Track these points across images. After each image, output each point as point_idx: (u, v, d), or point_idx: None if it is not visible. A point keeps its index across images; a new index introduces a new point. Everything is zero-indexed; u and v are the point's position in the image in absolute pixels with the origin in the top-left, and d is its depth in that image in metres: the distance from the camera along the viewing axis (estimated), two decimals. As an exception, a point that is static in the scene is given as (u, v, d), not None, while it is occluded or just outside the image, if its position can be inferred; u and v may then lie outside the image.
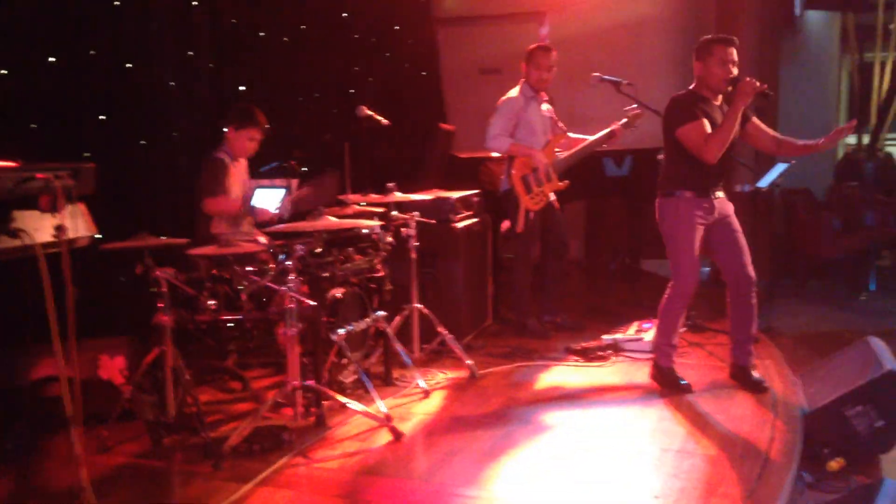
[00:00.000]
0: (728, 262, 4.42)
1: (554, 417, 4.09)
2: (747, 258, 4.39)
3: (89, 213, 3.10)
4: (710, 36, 4.39)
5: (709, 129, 4.20)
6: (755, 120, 4.47)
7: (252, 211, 4.69)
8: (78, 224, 2.92)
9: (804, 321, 6.05)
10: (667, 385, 4.44)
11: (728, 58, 4.25)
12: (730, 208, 4.47)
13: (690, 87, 4.40)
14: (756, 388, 4.34)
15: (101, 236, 3.38)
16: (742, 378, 4.43)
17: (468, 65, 8.61)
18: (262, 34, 6.01)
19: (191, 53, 5.28)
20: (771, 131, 4.53)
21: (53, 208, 2.36)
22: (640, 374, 4.72)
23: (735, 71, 4.25)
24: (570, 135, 5.70)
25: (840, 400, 3.74)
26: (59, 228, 2.56)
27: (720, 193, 4.42)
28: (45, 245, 2.61)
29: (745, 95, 4.12)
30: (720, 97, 4.37)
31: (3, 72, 4.04)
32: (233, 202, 4.70)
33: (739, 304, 4.41)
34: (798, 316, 6.16)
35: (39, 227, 2.62)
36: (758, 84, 4.11)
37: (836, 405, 3.75)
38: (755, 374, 4.43)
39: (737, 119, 4.17)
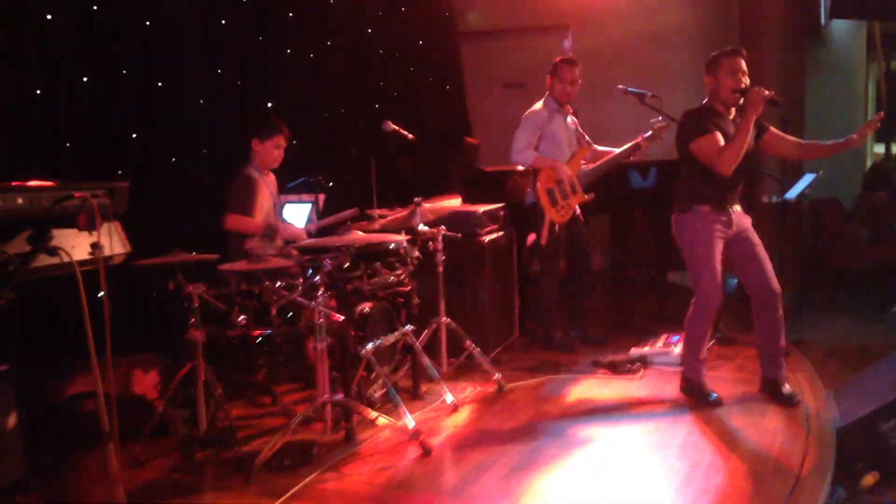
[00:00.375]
0: (751, 275, 4.40)
1: (583, 432, 4.08)
2: (770, 270, 4.36)
3: (123, 231, 3.15)
4: (718, 50, 4.39)
5: (722, 141, 4.19)
6: (772, 129, 4.45)
7: (276, 231, 4.75)
8: (113, 241, 2.97)
9: (834, 334, 5.98)
10: (696, 399, 4.41)
11: (737, 68, 4.25)
12: (748, 222, 4.44)
13: (703, 102, 4.39)
14: (788, 402, 4.30)
15: (133, 253, 3.43)
16: (773, 391, 4.40)
17: (492, 78, 8.64)
18: (287, 51, 6.07)
19: (219, 71, 5.33)
20: (792, 138, 4.51)
21: (91, 226, 2.39)
22: (669, 387, 4.69)
23: (746, 81, 4.24)
24: (596, 147, 5.70)
25: (873, 414, 3.70)
26: (96, 246, 2.60)
27: (737, 207, 4.40)
28: (82, 262, 2.65)
29: (755, 104, 4.11)
30: (733, 110, 4.35)
31: (37, 92, 4.11)
32: (253, 221, 4.74)
33: (765, 317, 4.38)
34: (828, 328, 6.10)
35: (76, 245, 2.67)
36: (766, 92, 4.10)
37: (869, 419, 3.71)
38: (787, 387, 4.38)
39: (749, 129, 4.15)
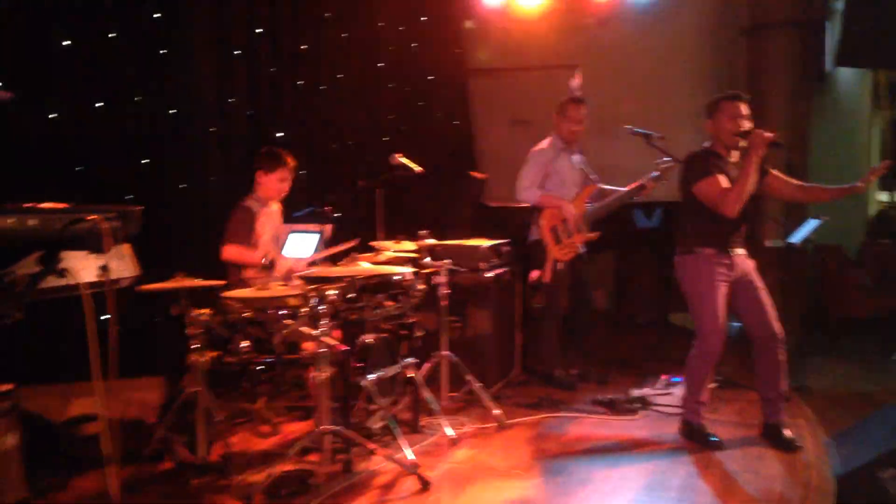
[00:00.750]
0: (753, 319, 4.40)
1: (582, 470, 4.06)
2: (772, 314, 4.37)
3: (134, 254, 3.18)
4: (717, 94, 4.43)
5: (725, 183, 4.22)
6: (773, 172, 4.48)
7: (273, 265, 4.75)
8: (123, 264, 2.99)
9: (836, 380, 5.97)
10: (696, 441, 4.40)
11: (737, 112, 4.29)
12: (751, 265, 4.46)
13: (706, 145, 4.44)
14: (788, 448, 4.28)
15: (139, 276, 3.46)
16: (773, 437, 4.38)
17: (499, 115, 8.71)
18: (299, 82, 6.14)
19: (231, 100, 5.40)
20: (794, 181, 4.55)
21: (100, 249, 2.42)
22: (669, 428, 4.67)
23: (747, 125, 4.28)
24: (602, 186, 5.74)
25: (874, 462, 3.68)
26: (105, 268, 2.63)
27: (740, 250, 4.42)
28: (90, 284, 2.68)
29: (757, 147, 4.15)
30: (736, 154, 4.38)
31: (51, 116, 4.16)
32: (250, 254, 4.74)
33: (767, 361, 4.38)
34: (830, 375, 6.08)
35: (85, 267, 2.69)
36: (767, 134, 4.14)
37: (870, 467, 3.69)
38: (787, 432, 4.37)
39: (752, 171, 4.18)
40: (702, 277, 4.34)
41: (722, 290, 4.33)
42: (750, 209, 4.33)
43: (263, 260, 4.75)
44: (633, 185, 5.53)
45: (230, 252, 4.71)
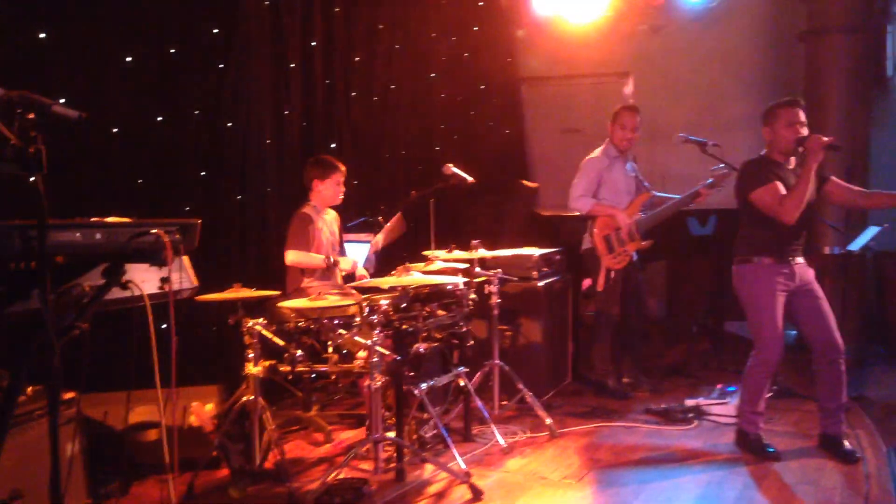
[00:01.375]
0: (814, 330, 4.33)
1: (635, 481, 4.04)
2: (833, 324, 4.29)
3: (192, 266, 3.27)
4: (773, 101, 4.38)
5: (783, 190, 4.16)
6: (834, 179, 4.40)
7: (335, 264, 4.86)
8: (182, 276, 3.08)
9: (894, 391, 5.82)
10: (753, 452, 4.34)
11: (795, 119, 4.23)
12: (811, 274, 4.38)
13: (762, 153, 4.38)
14: (847, 459, 4.20)
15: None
16: (832, 448, 4.30)
17: (551, 123, 8.71)
18: (353, 94, 6.23)
19: (286, 113, 5.50)
20: (856, 187, 4.46)
21: (161, 262, 2.50)
22: (724, 439, 4.62)
23: (804, 131, 4.22)
24: (655, 194, 5.70)
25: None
26: (166, 280, 2.71)
27: (800, 259, 4.35)
28: (151, 296, 2.76)
29: (815, 152, 4.08)
30: (793, 160, 4.32)
31: (114, 130, 4.29)
32: (316, 259, 4.85)
33: (827, 372, 4.30)
34: (889, 385, 5.94)
35: (146, 279, 2.78)
36: (825, 139, 4.08)
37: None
38: (846, 444, 4.29)
39: (810, 177, 4.12)
40: (760, 287, 4.29)
41: (780, 300, 4.26)
42: (808, 217, 4.27)
43: (327, 261, 4.85)
44: (687, 193, 5.49)
45: (293, 256, 4.81)
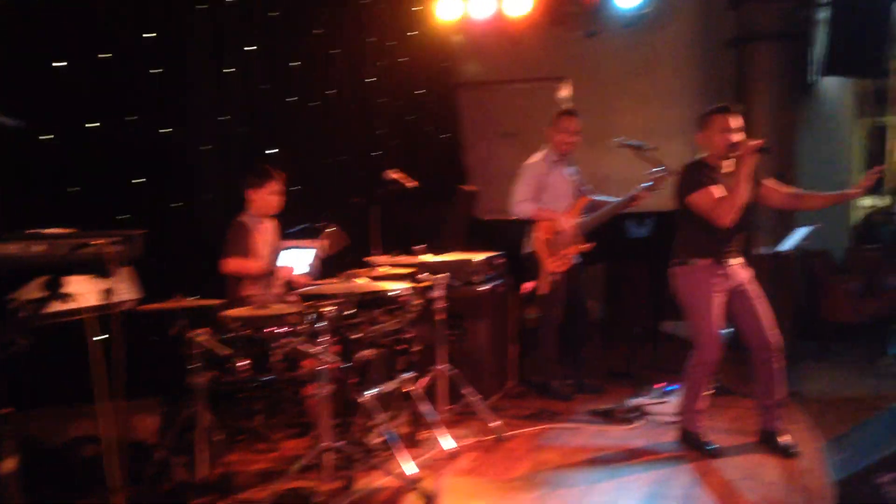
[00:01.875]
0: (750, 328, 4.44)
1: (584, 481, 4.09)
2: (769, 323, 4.41)
3: (136, 277, 3.19)
4: (708, 107, 4.48)
5: (719, 194, 4.26)
6: (766, 182, 4.52)
7: (277, 271, 4.79)
8: (125, 287, 3.00)
9: (828, 386, 6.01)
10: (694, 450, 4.43)
11: (726, 125, 4.32)
12: (748, 274, 4.50)
13: (700, 157, 4.48)
14: (786, 454, 4.32)
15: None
16: (771, 443, 4.42)
17: (488, 128, 8.76)
18: (293, 99, 6.16)
19: (225, 118, 5.41)
20: (788, 188, 4.59)
21: (105, 273, 2.43)
22: (667, 437, 4.71)
23: (737, 137, 4.30)
24: (595, 198, 5.77)
25: (871, 467, 3.70)
26: (109, 292, 2.64)
27: (736, 259, 4.46)
28: (93, 308, 2.69)
29: (746, 157, 4.20)
30: (729, 164, 4.41)
31: (49, 136, 4.16)
32: (252, 264, 4.79)
33: (764, 369, 4.42)
34: (822, 380, 6.13)
35: (88, 290, 2.70)
36: (753, 142, 4.19)
37: (867, 472, 3.72)
38: (784, 438, 4.41)
39: (745, 181, 4.22)
40: (698, 288, 4.38)
41: (718, 300, 4.36)
42: (745, 219, 4.38)
43: (264, 269, 4.77)
44: (625, 196, 5.57)
45: (231, 265, 4.74)
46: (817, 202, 4.58)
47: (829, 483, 3.94)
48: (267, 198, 4.89)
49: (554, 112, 5.78)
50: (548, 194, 5.63)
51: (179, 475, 3.94)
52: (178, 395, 4.13)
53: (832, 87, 8.22)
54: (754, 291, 4.45)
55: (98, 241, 2.39)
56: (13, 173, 3.98)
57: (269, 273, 4.84)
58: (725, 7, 7.56)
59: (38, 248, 2.31)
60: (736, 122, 4.34)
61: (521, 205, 5.58)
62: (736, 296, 4.42)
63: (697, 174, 4.37)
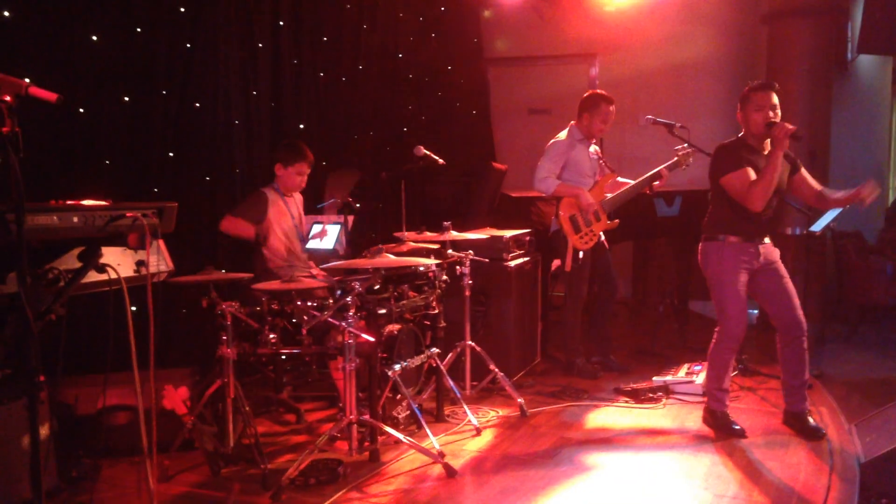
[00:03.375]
0: (777, 308, 4.42)
1: (606, 459, 4.10)
2: (796, 303, 4.38)
3: (167, 250, 3.24)
4: (750, 84, 4.43)
5: (753, 176, 4.22)
6: (803, 171, 4.47)
7: (265, 242, 4.83)
8: (158, 260, 3.05)
9: (856, 368, 5.98)
10: (719, 429, 4.43)
11: (764, 103, 4.27)
12: (776, 254, 4.46)
13: (738, 135, 4.43)
14: (812, 436, 4.31)
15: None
16: (796, 425, 4.41)
17: (518, 104, 8.74)
18: (321, 74, 6.18)
19: (255, 93, 5.44)
20: (816, 185, 4.51)
21: (140, 245, 2.47)
22: (692, 417, 4.71)
23: (774, 115, 4.26)
24: (618, 179, 5.73)
25: (898, 450, 3.70)
26: (142, 264, 2.69)
27: (766, 240, 4.42)
28: (127, 279, 2.74)
29: (780, 140, 4.14)
30: (767, 144, 4.37)
31: (81, 110, 4.22)
32: (245, 227, 4.77)
33: (790, 349, 4.40)
34: (849, 362, 6.09)
35: (122, 263, 2.76)
36: (789, 127, 4.13)
37: (893, 454, 3.72)
38: (810, 420, 4.40)
39: (777, 166, 4.17)
40: (725, 265, 4.36)
41: (743, 278, 4.34)
42: (776, 200, 4.34)
43: (255, 237, 4.79)
44: (647, 175, 5.54)
45: (228, 223, 4.75)
46: (828, 204, 4.52)
47: (854, 465, 3.94)
48: (293, 177, 4.90)
49: (589, 92, 5.73)
50: (571, 171, 5.61)
51: (209, 445, 4.01)
52: (208, 367, 4.20)
53: (869, 64, 8.09)
54: (781, 271, 4.42)
55: (132, 214, 2.43)
56: (50, 146, 4.04)
57: (262, 240, 4.85)
58: (760, -19, 7.46)
59: (75, 219, 2.35)
60: (774, 100, 4.29)
61: (544, 181, 5.57)
62: (764, 275, 4.40)
63: (735, 154, 4.31)
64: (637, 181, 5.62)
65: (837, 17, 7.29)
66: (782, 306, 4.39)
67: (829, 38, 7.25)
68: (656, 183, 5.56)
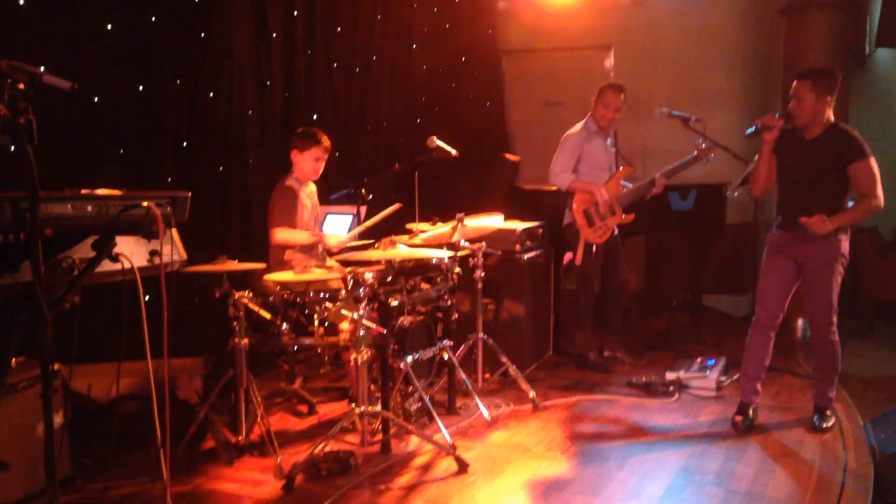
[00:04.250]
0: (808, 301, 4.41)
1: (618, 453, 4.09)
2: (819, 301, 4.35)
3: (181, 240, 3.24)
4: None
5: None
6: (853, 169, 4.21)
7: (320, 241, 4.81)
8: (172, 249, 3.05)
9: (871, 364, 5.93)
10: (744, 420, 4.41)
11: (792, 92, 4.27)
12: (818, 245, 4.30)
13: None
14: (825, 431, 4.29)
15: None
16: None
17: (532, 96, 8.70)
18: (335, 65, 6.16)
19: (268, 83, 5.43)
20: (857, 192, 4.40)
21: (154, 234, 2.47)
22: (705, 412, 4.69)
23: (791, 105, 4.26)
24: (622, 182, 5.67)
25: (913, 447, 3.68)
26: (155, 253, 2.68)
27: (803, 230, 4.31)
28: (141, 269, 2.73)
29: (769, 131, 4.23)
30: (812, 130, 4.27)
31: (95, 99, 4.22)
32: (302, 236, 4.74)
33: (815, 343, 4.40)
34: (865, 358, 6.05)
35: (135, 252, 2.75)
36: (776, 116, 4.22)
37: (908, 452, 3.69)
38: (827, 415, 4.38)
39: (765, 154, 4.30)
40: (767, 250, 4.47)
41: (776, 263, 4.39)
42: (816, 190, 4.25)
43: (314, 239, 4.78)
44: (642, 182, 5.52)
45: (282, 235, 4.67)
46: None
47: (869, 461, 3.91)
48: (310, 163, 4.82)
49: (598, 82, 5.70)
50: (586, 165, 5.57)
51: (222, 434, 4.03)
52: (220, 357, 4.20)
53: (888, 58, 7.99)
54: (819, 264, 4.33)
55: (146, 203, 2.42)
56: (63, 134, 4.04)
57: (317, 241, 4.85)
58: (777, -27, 7.37)
59: (89, 208, 2.35)
60: (796, 90, 4.24)
61: (559, 176, 5.53)
62: (801, 267, 4.35)
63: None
64: (632, 188, 5.58)
65: (856, 10, 7.21)
66: (810, 300, 4.41)
67: (848, 32, 7.16)
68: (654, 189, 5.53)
